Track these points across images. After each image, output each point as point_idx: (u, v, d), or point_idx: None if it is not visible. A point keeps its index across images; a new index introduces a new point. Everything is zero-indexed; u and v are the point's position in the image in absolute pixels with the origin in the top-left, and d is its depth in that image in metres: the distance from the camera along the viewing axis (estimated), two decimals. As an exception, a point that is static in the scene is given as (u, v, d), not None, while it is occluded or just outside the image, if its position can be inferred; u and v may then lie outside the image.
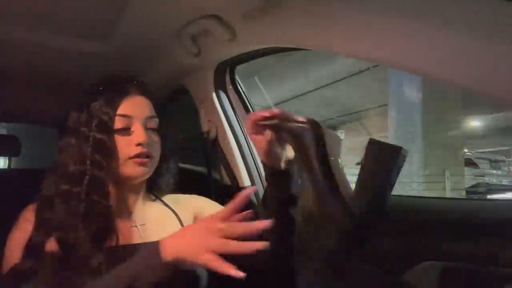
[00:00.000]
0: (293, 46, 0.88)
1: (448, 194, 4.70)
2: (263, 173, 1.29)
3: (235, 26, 0.86)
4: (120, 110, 0.74)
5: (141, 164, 0.74)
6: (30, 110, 1.78)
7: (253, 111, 1.31)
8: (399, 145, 0.62)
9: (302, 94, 7.98)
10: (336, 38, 0.71)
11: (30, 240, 0.68)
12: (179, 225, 0.84)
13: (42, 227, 0.69)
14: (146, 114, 0.77)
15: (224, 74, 1.22)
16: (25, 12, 0.87)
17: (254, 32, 0.87)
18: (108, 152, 0.72)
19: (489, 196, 5.82)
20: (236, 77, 1.26)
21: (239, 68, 1.25)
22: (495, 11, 0.45)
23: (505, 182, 6.85)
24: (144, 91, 0.80)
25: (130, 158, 0.73)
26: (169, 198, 0.88)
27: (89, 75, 0.95)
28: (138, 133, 0.74)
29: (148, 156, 0.75)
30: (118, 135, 0.74)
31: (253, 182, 1.24)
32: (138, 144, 0.73)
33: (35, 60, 1.15)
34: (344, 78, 6.85)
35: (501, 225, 0.70)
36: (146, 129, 0.76)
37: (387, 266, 0.84)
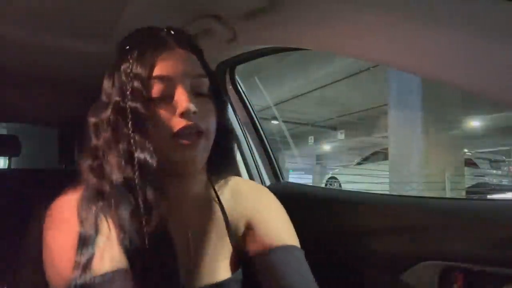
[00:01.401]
0: (293, 46, 0.88)
1: (448, 194, 4.70)
2: (263, 173, 1.29)
3: (235, 26, 0.86)
4: (156, 71, 0.57)
5: (189, 146, 0.57)
6: (30, 110, 1.79)
7: (253, 111, 1.31)
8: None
9: (302, 94, 7.99)
10: (336, 38, 0.71)
11: (83, 240, 0.53)
12: (228, 240, 0.67)
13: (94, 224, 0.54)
14: (191, 73, 0.59)
15: (224, 74, 1.22)
16: (25, 12, 0.87)
17: (254, 32, 0.87)
18: (147, 127, 0.55)
19: (489, 196, 5.82)
20: (236, 77, 1.26)
21: (239, 68, 1.25)
22: (495, 11, 0.45)
23: (505, 182, 6.85)
24: (187, 43, 0.63)
25: (174, 135, 0.56)
26: (227, 189, 0.71)
27: (89, 75, 0.95)
28: (181, 99, 0.56)
29: (198, 131, 0.57)
30: (157, 105, 0.57)
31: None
32: (182, 115, 0.56)
33: (35, 60, 1.15)
34: (344, 78, 6.85)
35: (501, 225, 0.70)
36: (194, 93, 0.59)
37: (386, 266, 0.84)
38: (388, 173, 5.52)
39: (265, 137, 1.32)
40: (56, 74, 1.28)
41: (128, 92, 0.56)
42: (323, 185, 8.61)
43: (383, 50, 0.65)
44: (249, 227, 0.68)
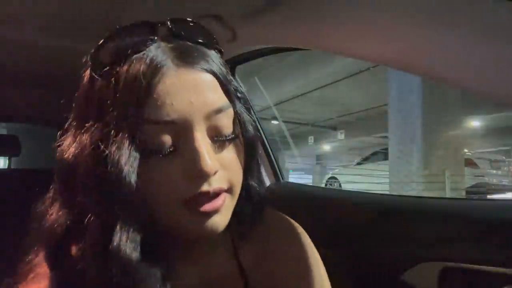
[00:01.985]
0: (293, 46, 0.88)
1: (448, 194, 4.70)
2: (263, 173, 1.29)
3: (235, 26, 0.86)
4: (150, 112, 0.37)
5: (208, 214, 0.40)
6: (30, 110, 1.79)
7: (253, 111, 1.31)
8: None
9: (302, 94, 7.98)
10: (336, 38, 0.71)
11: None
12: None
13: None
14: (207, 110, 0.39)
15: (224, 74, 1.22)
16: (25, 12, 0.87)
17: (254, 32, 0.87)
18: (138, 191, 0.37)
19: (489, 196, 5.82)
20: (236, 77, 1.26)
21: (239, 68, 1.25)
22: (495, 12, 0.45)
23: (505, 182, 6.85)
24: (198, 55, 0.41)
25: (185, 202, 0.39)
26: (252, 247, 0.52)
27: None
28: (193, 154, 0.38)
29: (219, 192, 0.40)
30: (155, 160, 0.38)
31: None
32: (198, 176, 0.38)
33: (35, 60, 1.15)
34: (344, 78, 6.85)
35: (501, 225, 0.70)
36: (212, 137, 0.41)
37: (386, 266, 0.84)
38: (388, 173, 5.52)
39: (265, 137, 1.32)
40: (56, 74, 1.28)
41: (110, 143, 0.37)
42: (323, 185, 8.61)
43: (383, 50, 0.65)
44: None
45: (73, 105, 0.45)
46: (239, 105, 0.45)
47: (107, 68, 0.40)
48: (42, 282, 0.42)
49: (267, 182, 1.28)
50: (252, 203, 0.49)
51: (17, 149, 1.85)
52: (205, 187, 0.39)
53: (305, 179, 11.01)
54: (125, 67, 0.39)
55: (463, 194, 5.05)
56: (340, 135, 10.16)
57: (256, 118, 1.30)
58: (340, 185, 8.27)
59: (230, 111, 0.42)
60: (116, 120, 0.37)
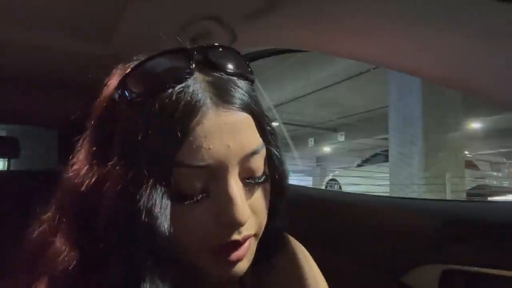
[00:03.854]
0: (293, 48, 0.88)
1: (449, 196, 4.69)
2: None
3: (236, 28, 0.86)
4: (184, 155, 0.35)
5: (236, 262, 0.39)
6: (30, 111, 1.79)
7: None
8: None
9: (302, 96, 7.98)
10: (336, 39, 0.71)
11: None
12: None
13: None
14: (245, 151, 0.37)
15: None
16: (25, 13, 0.87)
17: (255, 34, 0.87)
18: (165, 237, 0.35)
19: (489, 198, 5.81)
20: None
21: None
22: (495, 13, 0.45)
23: (505, 184, 6.84)
24: (236, 93, 0.39)
25: (214, 250, 0.38)
26: (266, 275, 0.50)
27: (89, 76, 0.95)
28: (226, 202, 0.36)
29: (248, 239, 0.39)
30: (186, 205, 0.36)
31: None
32: (231, 225, 0.37)
33: (34, 61, 1.15)
34: (344, 80, 6.85)
35: (502, 227, 0.70)
36: (243, 180, 0.38)
37: (387, 268, 0.84)
38: (388, 175, 5.51)
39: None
40: (56, 75, 1.28)
41: (139, 187, 0.34)
42: (323, 187, 8.60)
43: (383, 52, 0.65)
44: None
45: (89, 126, 0.42)
46: (271, 142, 0.43)
47: (139, 98, 0.36)
48: None
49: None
50: (269, 245, 0.46)
51: (17, 151, 1.85)
52: (235, 236, 0.37)
53: (305, 181, 11.01)
54: (160, 102, 0.35)
55: (463, 196, 5.05)
56: (340, 137, 10.16)
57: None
58: (340, 187, 8.26)
59: (263, 151, 0.40)
60: (148, 161, 0.35)
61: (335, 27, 0.67)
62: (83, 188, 0.38)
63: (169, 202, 0.35)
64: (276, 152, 0.44)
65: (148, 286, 0.35)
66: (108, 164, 0.37)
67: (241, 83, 0.40)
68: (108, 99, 0.41)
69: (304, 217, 1.03)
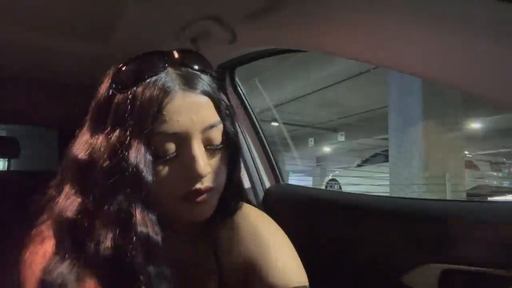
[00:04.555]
0: (293, 48, 0.88)
1: (449, 196, 4.69)
2: (262, 175, 1.29)
3: (235, 28, 0.86)
4: (161, 126, 0.48)
5: (199, 204, 0.51)
6: (30, 111, 1.79)
7: (253, 113, 1.31)
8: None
9: (302, 96, 7.98)
10: (336, 40, 0.71)
11: None
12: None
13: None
14: (204, 125, 0.50)
15: (224, 76, 1.22)
16: (25, 13, 0.87)
17: (255, 34, 0.87)
18: (148, 189, 0.47)
19: (489, 198, 5.81)
20: (236, 79, 1.26)
21: (239, 70, 1.25)
22: (495, 13, 0.45)
23: (506, 184, 6.84)
24: (199, 82, 0.52)
25: (182, 197, 0.50)
26: (225, 230, 0.61)
27: (89, 76, 0.95)
28: (192, 160, 0.48)
29: (209, 189, 0.51)
30: (161, 163, 0.49)
31: (252, 184, 1.24)
32: (194, 177, 0.49)
33: (34, 62, 1.15)
34: (344, 80, 6.85)
35: (502, 227, 0.70)
36: (206, 146, 0.51)
37: (386, 268, 0.84)
38: (388, 175, 5.52)
39: (265, 139, 1.32)
40: (56, 75, 1.28)
41: (127, 148, 0.47)
42: (323, 187, 8.60)
43: (383, 52, 0.65)
44: (250, 274, 0.58)
45: (90, 111, 0.54)
46: (227, 121, 0.55)
47: (127, 86, 0.50)
48: (47, 243, 0.50)
49: (267, 184, 1.28)
50: (231, 199, 0.60)
51: (17, 151, 1.85)
52: (198, 185, 0.50)
53: (305, 181, 11.01)
54: (142, 88, 0.49)
55: (463, 196, 5.05)
56: (341, 137, 10.16)
57: (257, 120, 1.30)
58: (340, 187, 8.26)
59: (221, 126, 0.53)
60: (133, 130, 0.47)
61: (335, 27, 0.67)
62: (82, 153, 0.51)
63: (151, 158, 0.48)
64: (231, 128, 0.56)
65: (138, 217, 0.46)
66: (103, 133, 0.49)
67: (204, 76, 0.53)
68: (104, 90, 0.53)
69: (304, 217, 1.03)
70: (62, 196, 0.52)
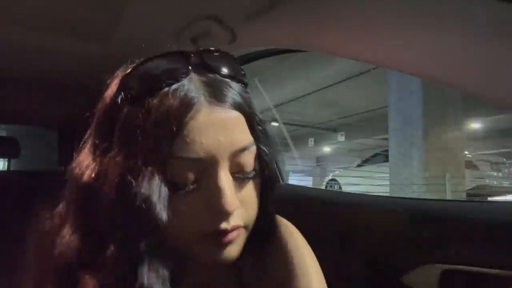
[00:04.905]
0: (293, 48, 0.88)
1: (449, 196, 4.69)
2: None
3: (235, 28, 0.86)
4: (179, 149, 0.38)
5: (225, 245, 0.41)
6: (30, 111, 1.79)
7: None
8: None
9: (302, 96, 7.98)
10: (336, 40, 0.71)
11: None
12: None
13: None
14: (235, 147, 0.40)
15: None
16: (25, 13, 0.87)
17: (255, 34, 0.87)
18: (155, 228, 0.38)
19: (490, 198, 5.81)
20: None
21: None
22: (495, 13, 0.45)
23: (506, 184, 6.84)
24: (228, 93, 0.41)
25: (205, 235, 0.40)
26: (254, 259, 0.52)
27: (89, 76, 0.95)
28: (218, 192, 0.38)
29: (236, 229, 0.41)
30: (179, 194, 0.39)
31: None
32: (220, 214, 0.39)
33: (34, 62, 1.15)
34: (344, 80, 6.85)
35: (502, 227, 0.70)
36: (234, 174, 0.41)
37: (386, 268, 0.84)
38: (388, 175, 5.51)
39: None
40: (56, 75, 1.28)
41: (138, 176, 0.37)
42: (323, 187, 8.59)
43: (383, 52, 0.65)
44: None
45: (93, 123, 0.46)
46: (261, 142, 0.45)
47: (138, 95, 0.39)
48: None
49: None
50: (262, 234, 0.49)
51: (17, 151, 1.85)
52: (224, 225, 0.40)
53: (305, 181, 11.00)
54: (158, 99, 0.38)
55: (463, 196, 5.05)
56: (340, 137, 10.16)
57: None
58: (340, 187, 8.26)
59: (253, 148, 0.43)
60: (145, 153, 0.37)
61: (335, 27, 0.67)
62: (85, 177, 0.42)
63: (167, 191, 0.38)
64: (266, 150, 0.45)
65: (145, 269, 0.38)
66: (109, 155, 0.40)
67: (234, 85, 0.43)
68: (110, 97, 0.43)
69: (303, 217, 1.03)
70: (63, 232, 0.43)
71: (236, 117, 0.41)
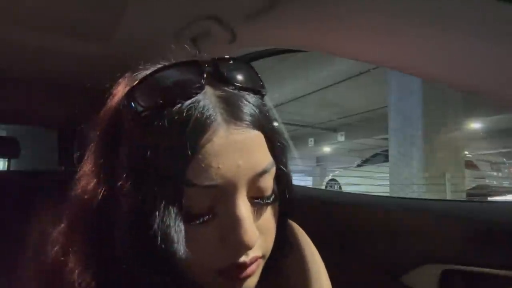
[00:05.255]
0: (293, 48, 0.88)
1: (449, 196, 4.69)
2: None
3: (235, 28, 0.86)
4: (193, 175, 0.33)
5: (241, 280, 0.37)
6: (30, 111, 1.79)
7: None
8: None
9: (302, 96, 7.98)
10: (336, 39, 0.71)
11: None
12: None
13: None
14: (255, 171, 0.36)
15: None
16: (25, 13, 0.86)
17: (255, 34, 0.87)
18: (174, 267, 0.35)
19: (489, 198, 5.81)
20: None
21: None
22: (495, 13, 0.45)
23: (506, 184, 6.84)
24: (247, 109, 0.37)
25: (220, 272, 0.37)
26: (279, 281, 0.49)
27: (89, 76, 0.95)
28: (236, 225, 0.34)
29: (255, 261, 0.38)
30: (193, 224, 0.35)
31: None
32: (238, 247, 0.35)
33: (34, 62, 1.15)
34: (344, 80, 6.85)
35: (502, 227, 0.70)
36: (252, 200, 0.37)
37: (386, 268, 0.84)
38: (388, 175, 5.52)
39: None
40: (55, 75, 1.28)
41: (151, 208, 0.33)
42: (323, 187, 8.59)
43: (383, 52, 0.65)
44: None
45: (96, 133, 0.41)
46: (281, 161, 0.41)
47: (147, 112, 0.35)
48: None
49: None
50: (277, 258, 0.44)
51: (17, 151, 1.85)
52: (242, 259, 0.36)
53: (305, 181, 11.01)
54: (170, 117, 0.34)
55: (463, 196, 5.05)
56: (340, 137, 10.16)
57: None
58: (340, 187, 8.26)
59: (273, 170, 0.38)
60: (157, 181, 0.33)
61: (335, 27, 0.67)
62: (93, 206, 0.38)
63: (182, 224, 0.34)
64: (285, 170, 0.42)
65: None
66: (117, 182, 0.35)
67: (252, 98, 0.39)
68: (115, 110, 0.39)
69: (303, 217, 1.03)
70: (70, 266, 0.38)
71: (256, 136, 0.37)
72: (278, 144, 0.41)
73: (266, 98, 0.42)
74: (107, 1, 0.82)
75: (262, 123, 0.38)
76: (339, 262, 0.93)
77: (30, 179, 1.50)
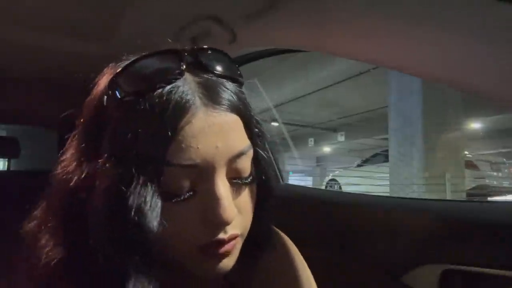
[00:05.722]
0: (293, 48, 0.88)
1: (449, 196, 4.69)
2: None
3: (236, 28, 0.86)
4: (174, 155, 0.35)
5: (221, 257, 0.39)
6: (30, 111, 1.79)
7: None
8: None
9: (302, 96, 7.98)
10: (336, 40, 0.71)
11: None
12: None
13: None
14: (232, 152, 0.38)
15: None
16: (25, 13, 0.87)
17: (255, 34, 0.87)
18: (146, 241, 0.35)
19: (489, 198, 5.81)
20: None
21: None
22: (495, 14, 0.45)
23: (506, 184, 6.84)
24: (225, 94, 0.39)
25: (200, 248, 0.38)
26: (258, 277, 0.50)
27: (89, 77, 0.95)
28: (214, 202, 0.36)
29: (234, 238, 0.39)
30: (173, 203, 0.37)
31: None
32: (217, 224, 0.37)
33: (34, 62, 1.15)
34: (344, 80, 6.85)
35: (502, 227, 0.70)
36: (230, 180, 0.39)
37: (386, 268, 0.84)
38: (388, 175, 5.52)
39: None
40: (56, 75, 1.28)
41: (128, 185, 0.34)
42: (323, 187, 8.59)
43: (383, 52, 0.65)
44: None
45: (79, 124, 0.43)
46: (259, 145, 0.44)
47: (129, 97, 0.37)
48: None
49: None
50: (257, 245, 0.47)
51: (17, 151, 1.85)
52: (221, 235, 0.38)
53: (305, 181, 11.01)
54: (151, 101, 0.36)
55: (463, 196, 5.05)
56: (340, 137, 10.16)
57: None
58: (340, 187, 8.26)
59: (250, 152, 0.41)
60: (137, 160, 0.35)
61: (335, 27, 0.67)
62: (71, 184, 0.39)
63: (159, 201, 0.35)
64: (263, 154, 0.44)
65: (134, 284, 0.35)
66: (98, 161, 0.37)
67: (230, 85, 0.41)
68: (99, 97, 0.41)
69: (303, 217, 1.03)
70: (42, 242, 0.40)
71: (233, 120, 0.39)
72: (256, 129, 0.43)
73: (244, 87, 0.44)
74: (107, 1, 0.82)
75: (240, 108, 0.40)
76: (339, 262, 0.93)
77: (30, 179, 1.50)
